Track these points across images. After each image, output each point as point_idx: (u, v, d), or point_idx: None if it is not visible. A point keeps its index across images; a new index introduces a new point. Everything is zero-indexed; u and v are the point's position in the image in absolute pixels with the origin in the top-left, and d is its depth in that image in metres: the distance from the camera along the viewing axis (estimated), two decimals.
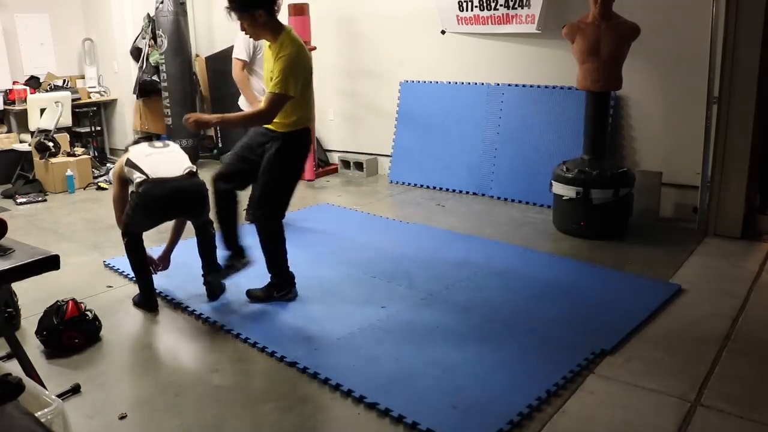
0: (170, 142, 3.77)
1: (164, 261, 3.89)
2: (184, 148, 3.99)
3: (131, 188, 3.54)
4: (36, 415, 1.90)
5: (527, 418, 2.46)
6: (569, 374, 2.73)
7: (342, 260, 4.22)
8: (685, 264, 4.01)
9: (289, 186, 3.46)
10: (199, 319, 3.42)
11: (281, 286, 3.58)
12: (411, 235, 4.71)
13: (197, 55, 7.78)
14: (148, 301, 3.58)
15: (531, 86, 5.52)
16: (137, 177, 3.45)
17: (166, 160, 3.57)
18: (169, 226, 3.85)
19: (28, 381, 2.09)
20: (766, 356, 2.88)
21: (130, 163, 3.51)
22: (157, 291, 3.70)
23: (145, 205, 3.44)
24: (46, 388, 2.31)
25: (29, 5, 7.68)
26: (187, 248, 4.24)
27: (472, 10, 5.62)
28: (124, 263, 4.22)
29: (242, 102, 4.86)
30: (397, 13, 6.17)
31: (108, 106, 8.25)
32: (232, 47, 7.07)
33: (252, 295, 3.60)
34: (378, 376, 2.78)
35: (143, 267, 3.59)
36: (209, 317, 3.40)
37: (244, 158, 3.47)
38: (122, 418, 2.55)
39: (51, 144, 6.56)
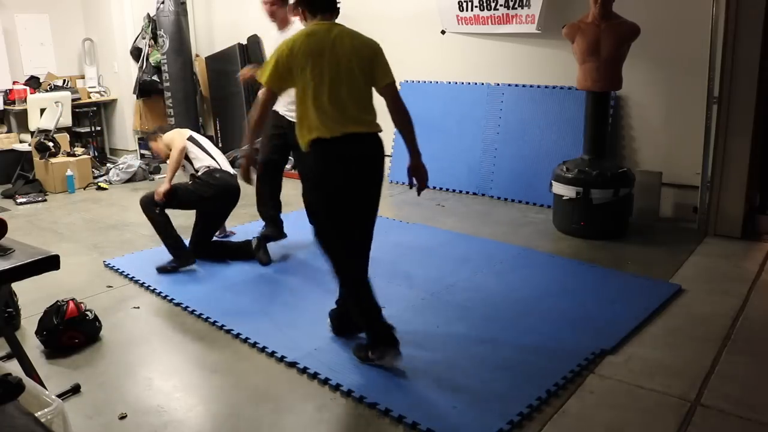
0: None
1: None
2: None
3: (192, 168, 4.06)
4: (36, 415, 1.90)
5: (527, 418, 2.46)
6: (569, 374, 2.73)
7: None
8: (685, 264, 4.01)
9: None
10: (199, 319, 3.42)
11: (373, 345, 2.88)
12: (411, 235, 4.71)
13: (197, 55, 7.78)
14: (187, 253, 4.06)
15: (531, 86, 5.52)
16: (207, 161, 4.04)
17: (221, 155, 4.23)
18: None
19: (28, 381, 2.09)
20: (766, 356, 2.88)
21: (193, 140, 4.07)
22: (157, 292, 3.77)
23: (216, 193, 4.00)
24: (46, 388, 2.31)
25: (29, 5, 7.69)
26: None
27: (472, 10, 5.62)
28: (124, 263, 4.24)
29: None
30: (397, 13, 6.17)
31: (108, 106, 8.26)
32: (232, 47, 7.17)
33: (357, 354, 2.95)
34: (378, 376, 2.78)
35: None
36: (209, 317, 3.40)
37: None
38: (122, 418, 2.55)
39: (51, 144, 6.57)
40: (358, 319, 2.94)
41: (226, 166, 4.15)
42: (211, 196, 4.01)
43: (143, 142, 7.95)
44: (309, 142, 2.74)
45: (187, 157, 4.07)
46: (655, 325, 3.21)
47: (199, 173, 4.03)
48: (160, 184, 3.98)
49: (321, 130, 2.71)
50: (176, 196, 3.96)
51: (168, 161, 4.03)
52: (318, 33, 2.76)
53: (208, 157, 4.10)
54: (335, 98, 2.72)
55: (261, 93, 2.95)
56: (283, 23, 4.25)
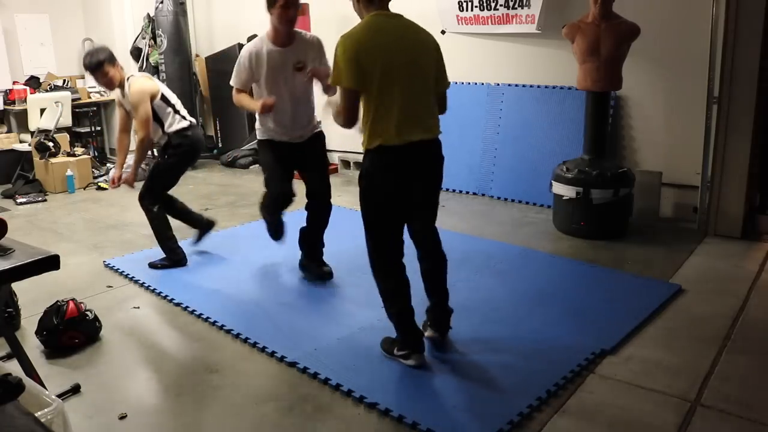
0: None
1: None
2: None
3: (166, 130, 3.95)
4: (36, 415, 1.90)
5: (527, 418, 2.46)
6: (569, 374, 2.73)
7: (342, 260, 4.22)
8: (685, 264, 4.01)
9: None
10: (199, 319, 3.42)
11: (401, 344, 2.84)
12: None
13: (197, 55, 7.78)
14: (180, 254, 4.12)
15: (531, 86, 5.52)
16: (179, 121, 3.94)
17: (180, 104, 4.09)
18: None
19: (28, 381, 2.09)
20: (766, 356, 2.88)
21: (164, 99, 3.91)
22: (157, 292, 3.77)
23: (193, 152, 4.03)
24: (46, 388, 2.31)
25: (29, 5, 7.69)
26: (185, 246, 4.26)
27: (472, 10, 5.62)
28: (124, 263, 4.24)
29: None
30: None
31: (108, 106, 8.25)
32: (232, 47, 7.16)
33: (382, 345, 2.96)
34: (378, 376, 2.78)
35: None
36: (209, 317, 3.40)
37: None
38: (122, 418, 2.55)
39: (51, 144, 6.57)
40: (391, 317, 2.86)
41: (189, 117, 4.08)
42: (181, 159, 4.06)
43: None
44: (370, 148, 2.61)
45: (159, 119, 3.94)
46: (655, 325, 3.21)
47: (170, 136, 3.98)
48: (125, 172, 4.05)
49: (386, 138, 2.57)
50: (156, 180, 4.06)
51: (137, 145, 3.92)
52: (383, 26, 2.58)
53: (179, 116, 3.99)
54: (405, 101, 2.57)
55: (342, 97, 2.58)
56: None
